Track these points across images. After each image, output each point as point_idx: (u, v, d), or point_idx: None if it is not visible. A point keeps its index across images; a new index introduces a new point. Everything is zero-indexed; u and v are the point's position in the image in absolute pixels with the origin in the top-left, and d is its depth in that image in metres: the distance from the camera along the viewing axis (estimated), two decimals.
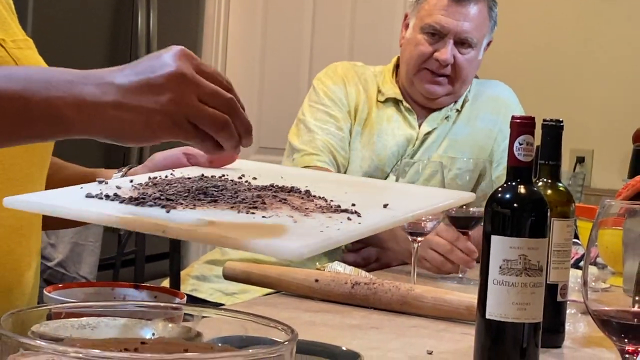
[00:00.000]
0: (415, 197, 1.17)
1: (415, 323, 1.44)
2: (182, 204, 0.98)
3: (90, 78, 0.92)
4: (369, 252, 2.12)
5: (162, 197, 1.00)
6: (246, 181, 1.11)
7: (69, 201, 0.99)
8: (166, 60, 0.90)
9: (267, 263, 1.75)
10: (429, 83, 2.21)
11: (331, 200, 1.02)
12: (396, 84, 2.28)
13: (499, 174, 2.15)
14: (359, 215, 0.96)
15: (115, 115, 0.90)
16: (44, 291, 1.07)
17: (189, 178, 1.12)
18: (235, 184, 1.09)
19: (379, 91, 2.27)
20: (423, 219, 1.68)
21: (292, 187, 1.07)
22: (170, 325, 0.88)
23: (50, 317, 0.84)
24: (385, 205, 1.02)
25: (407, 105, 2.25)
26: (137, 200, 0.98)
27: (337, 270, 1.70)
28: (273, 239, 0.90)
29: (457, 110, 2.27)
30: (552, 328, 1.28)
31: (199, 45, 3.97)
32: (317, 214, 0.98)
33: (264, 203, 0.99)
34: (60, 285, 1.11)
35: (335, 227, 0.93)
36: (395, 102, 2.26)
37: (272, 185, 1.08)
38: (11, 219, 1.16)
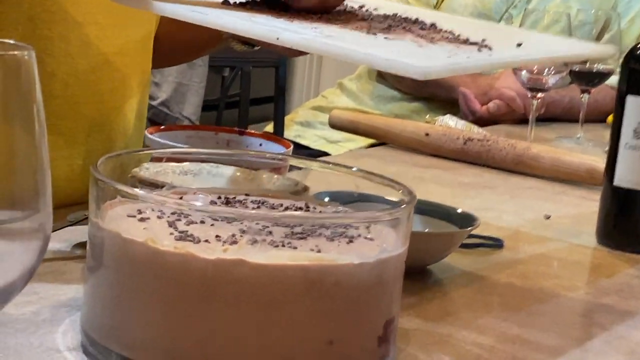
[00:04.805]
0: (553, 43, 1.07)
1: (531, 184, 1.36)
2: (297, 18, 0.90)
3: None
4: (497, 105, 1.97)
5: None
6: (367, 10, 1.02)
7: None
8: None
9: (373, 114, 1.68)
10: None
11: (459, 35, 0.93)
12: None
13: (624, 27, 2.00)
14: (490, 49, 0.88)
15: None
16: (146, 132, 1.03)
17: None
18: (354, 10, 1.01)
19: None
20: (545, 74, 1.57)
21: (417, 19, 0.98)
22: (275, 176, 0.83)
23: (151, 160, 0.80)
24: (519, 45, 0.94)
25: None
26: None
27: (449, 124, 1.61)
28: (396, 55, 0.80)
29: None
30: None
31: None
32: (444, 42, 0.89)
33: (387, 28, 0.90)
34: (162, 127, 1.07)
35: (464, 55, 0.84)
36: None
37: (395, 15, 0.99)
38: (117, 56, 1.10)
